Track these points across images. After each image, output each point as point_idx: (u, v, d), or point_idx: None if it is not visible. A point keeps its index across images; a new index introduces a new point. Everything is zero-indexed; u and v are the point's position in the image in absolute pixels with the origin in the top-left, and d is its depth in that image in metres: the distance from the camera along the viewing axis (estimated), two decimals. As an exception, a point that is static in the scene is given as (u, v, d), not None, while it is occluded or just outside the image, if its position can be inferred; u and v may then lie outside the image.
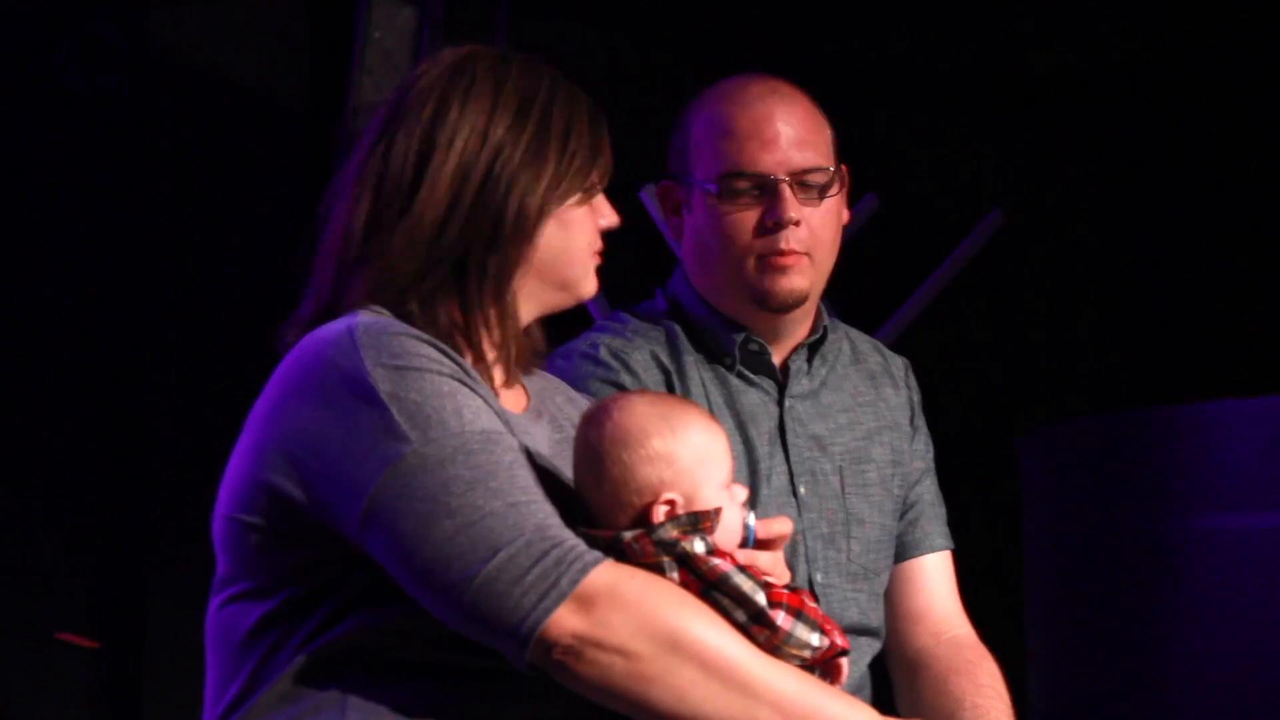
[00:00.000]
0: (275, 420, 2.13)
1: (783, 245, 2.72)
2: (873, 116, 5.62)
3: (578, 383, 2.57)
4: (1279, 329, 5.65)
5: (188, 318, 4.77)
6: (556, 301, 2.28)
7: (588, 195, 2.26)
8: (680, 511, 2.12)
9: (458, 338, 2.20)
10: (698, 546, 2.10)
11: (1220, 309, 5.82)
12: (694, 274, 2.82)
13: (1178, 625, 4.17)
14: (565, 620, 2.02)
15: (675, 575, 2.08)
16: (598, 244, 2.28)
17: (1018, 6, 5.58)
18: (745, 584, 2.08)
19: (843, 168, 2.83)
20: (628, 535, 2.10)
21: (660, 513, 2.12)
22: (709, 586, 2.07)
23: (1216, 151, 5.82)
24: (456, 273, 2.20)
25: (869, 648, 2.82)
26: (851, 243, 4.78)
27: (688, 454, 2.15)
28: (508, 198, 2.19)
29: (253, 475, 2.13)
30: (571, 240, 2.25)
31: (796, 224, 2.72)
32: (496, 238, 2.20)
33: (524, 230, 2.20)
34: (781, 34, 5.38)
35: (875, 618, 2.82)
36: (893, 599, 2.87)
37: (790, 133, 2.74)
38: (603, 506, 2.14)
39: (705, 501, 2.14)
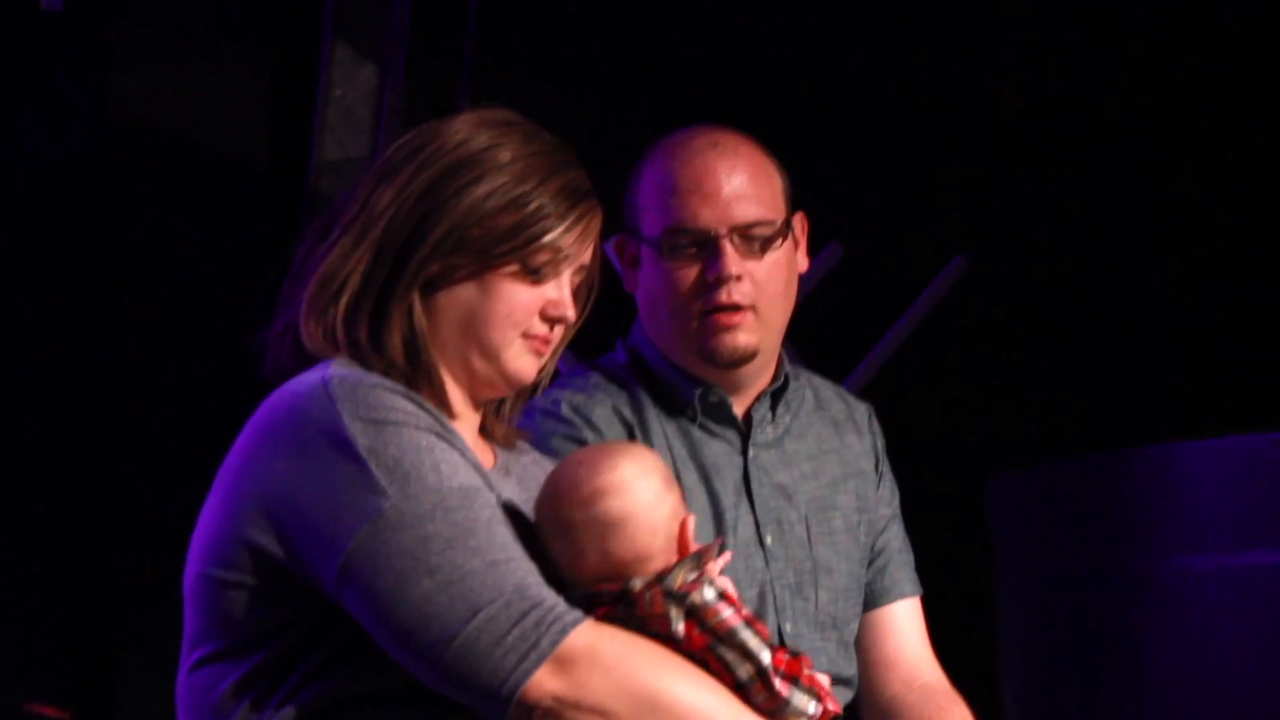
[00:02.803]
0: (250, 474, 2.12)
1: (724, 299, 2.71)
2: (835, 164, 5.63)
3: (540, 440, 2.57)
4: (1246, 368, 5.67)
5: (155, 377, 4.76)
6: (484, 370, 2.25)
7: (530, 274, 2.23)
8: (690, 530, 2.15)
9: (420, 382, 2.19)
10: (707, 595, 2.11)
11: (1187, 349, 5.83)
12: (649, 328, 2.82)
13: (1152, 666, 4.17)
14: (545, 682, 2.02)
15: (681, 627, 2.09)
16: (530, 325, 2.25)
17: (980, 54, 5.61)
18: (751, 640, 2.09)
19: (799, 216, 2.82)
20: (638, 584, 2.11)
21: (691, 534, 2.14)
22: (717, 640, 2.08)
23: (1179, 195, 5.84)
24: (390, 273, 2.20)
25: (841, 696, 2.81)
26: (816, 291, 4.82)
27: (669, 475, 2.21)
28: (444, 218, 2.19)
29: (227, 530, 2.12)
30: (489, 305, 2.22)
31: (738, 279, 2.71)
32: (422, 238, 2.19)
33: (440, 247, 2.19)
34: (744, 83, 5.40)
35: (846, 666, 2.81)
36: (863, 647, 2.87)
37: (731, 187, 2.73)
38: (619, 561, 2.13)
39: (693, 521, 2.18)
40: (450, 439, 2.13)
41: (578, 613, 2.06)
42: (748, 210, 2.73)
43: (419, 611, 2.02)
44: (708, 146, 2.75)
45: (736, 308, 2.72)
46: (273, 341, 2.25)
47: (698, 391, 2.77)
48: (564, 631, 2.03)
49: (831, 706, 2.13)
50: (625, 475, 2.14)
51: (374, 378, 2.14)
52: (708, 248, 2.72)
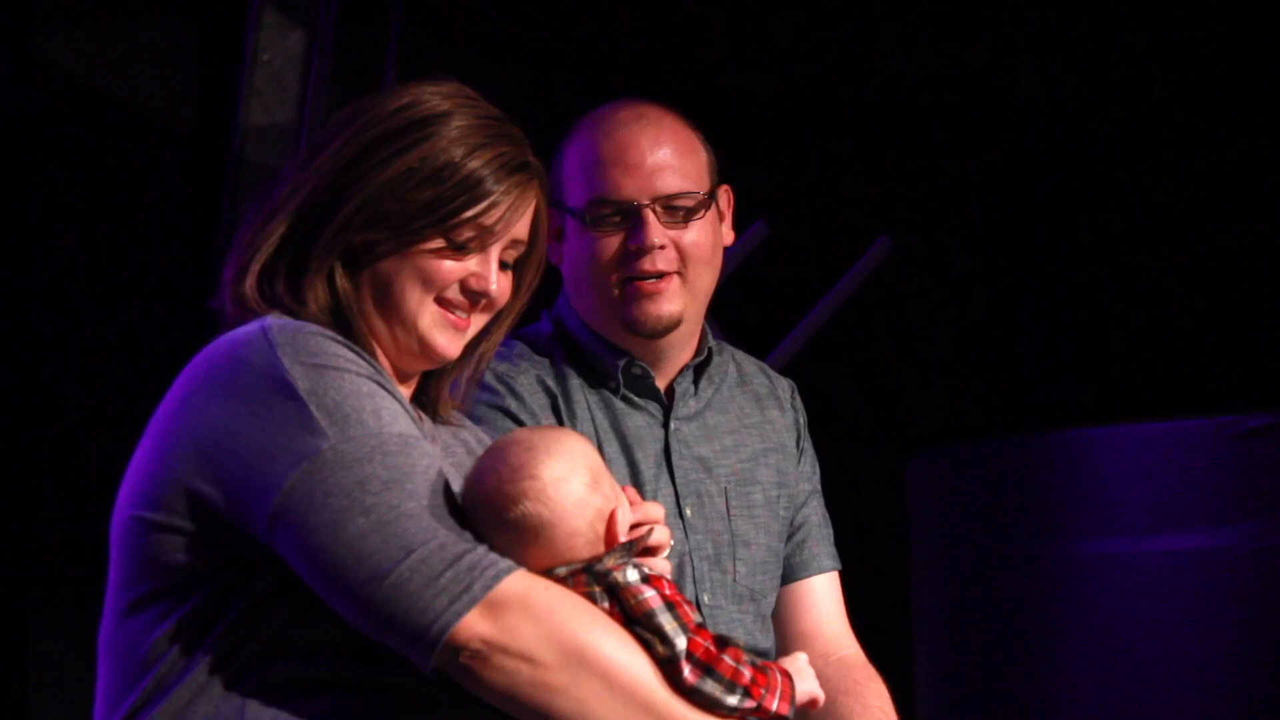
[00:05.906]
0: (186, 418, 2.12)
1: (647, 268, 2.73)
2: (763, 143, 5.65)
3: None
4: (1165, 355, 5.72)
5: (73, 340, 4.73)
6: (405, 341, 2.24)
7: (456, 249, 2.22)
8: (620, 521, 2.13)
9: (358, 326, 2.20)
10: (630, 575, 2.10)
11: (1108, 335, 5.88)
12: (574, 300, 2.83)
13: (1064, 647, 4.21)
14: (475, 624, 2.02)
15: (606, 605, 2.09)
16: (446, 293, 2.23)
17: (907, 38, 5.63)
18: (668, 625, 2.08)
19: (725, 189, 2.84)
20: (562, 571, 2.10)
21: (618, 528, 2.12)
22: (634, 621, 2.08)
23: (1103, 179, 5.89)
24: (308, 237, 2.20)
25: (757, 669, 2.83)
26: (741, 268, 4.83)
27: (598, 468, 2.16)
28: (360, 192, 2.18)
29: (161, 473, 2.11)
30: (406, 276, 2.22)
31: (662, 248, 2.73)
32: (337, 210, 2.19)
33: (354, 220, 2.19)
34: (674, 62, 5.41)
35: (763, 639, 2.83)
36: (781, 620, 2.89)
37: (655, 159, 2.75)
38: (538, 564, 2.10)
39: (625, 509, 2.15)
40: (390, 388, 2.14)
41: (511, 561, 2.06)
42: (670, 181, 2.75)
43: (352, 549, 2.02)
44: (632, 119, 2.77)
45: (660, 275, 2.74)
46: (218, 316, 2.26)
47: (621, 363, 2.78)
48: (498, 577, 2.03)
49: (779, 708, 2.11)
50: (547, 480, 2.11)
51: (314, 326, 2.15)
52: (631, 218, 2.74)
